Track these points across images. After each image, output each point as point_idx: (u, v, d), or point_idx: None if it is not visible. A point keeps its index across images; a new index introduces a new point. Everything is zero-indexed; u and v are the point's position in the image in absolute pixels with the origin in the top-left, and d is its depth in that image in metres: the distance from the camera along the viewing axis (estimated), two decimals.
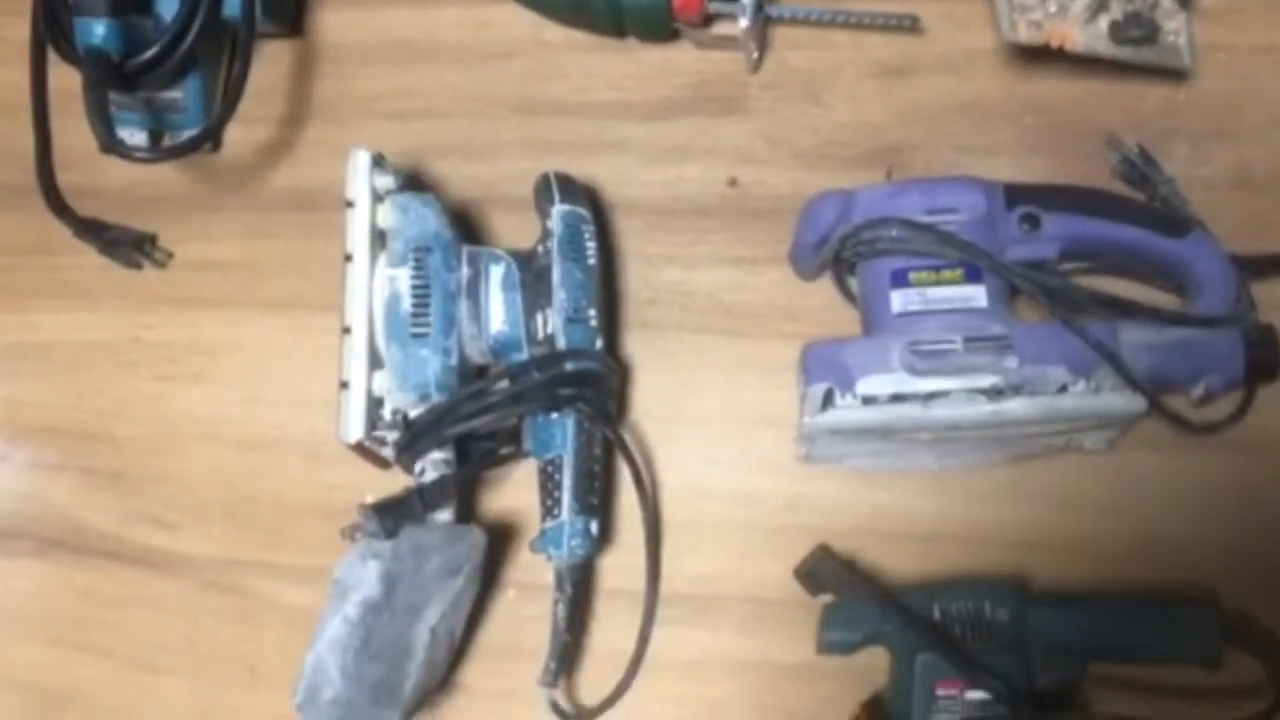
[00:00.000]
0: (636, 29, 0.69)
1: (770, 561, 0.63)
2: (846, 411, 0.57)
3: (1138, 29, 0.59)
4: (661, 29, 0.68)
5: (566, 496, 0.60)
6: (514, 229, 0.68)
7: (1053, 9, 0.60)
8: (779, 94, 0.70)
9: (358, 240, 0.60)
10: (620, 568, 0.65)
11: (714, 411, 0.66)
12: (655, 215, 0.69)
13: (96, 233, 0.70)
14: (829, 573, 0.60)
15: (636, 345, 0.68)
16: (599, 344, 0.62)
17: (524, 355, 0.62)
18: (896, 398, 0.57)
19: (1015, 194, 0.62)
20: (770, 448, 0.64)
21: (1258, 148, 0.66)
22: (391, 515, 0.58)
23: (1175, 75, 0.66)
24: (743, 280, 0.68)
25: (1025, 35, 0.61)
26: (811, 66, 0.70)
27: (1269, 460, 0.62)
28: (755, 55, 0.69)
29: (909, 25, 0.67)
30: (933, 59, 0.69)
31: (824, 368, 0.59)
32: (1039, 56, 0.65)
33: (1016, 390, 0.57)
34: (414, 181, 0.67)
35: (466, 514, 0.65)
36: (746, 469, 0.65)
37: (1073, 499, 0.63)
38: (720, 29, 0.69)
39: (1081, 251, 0.62)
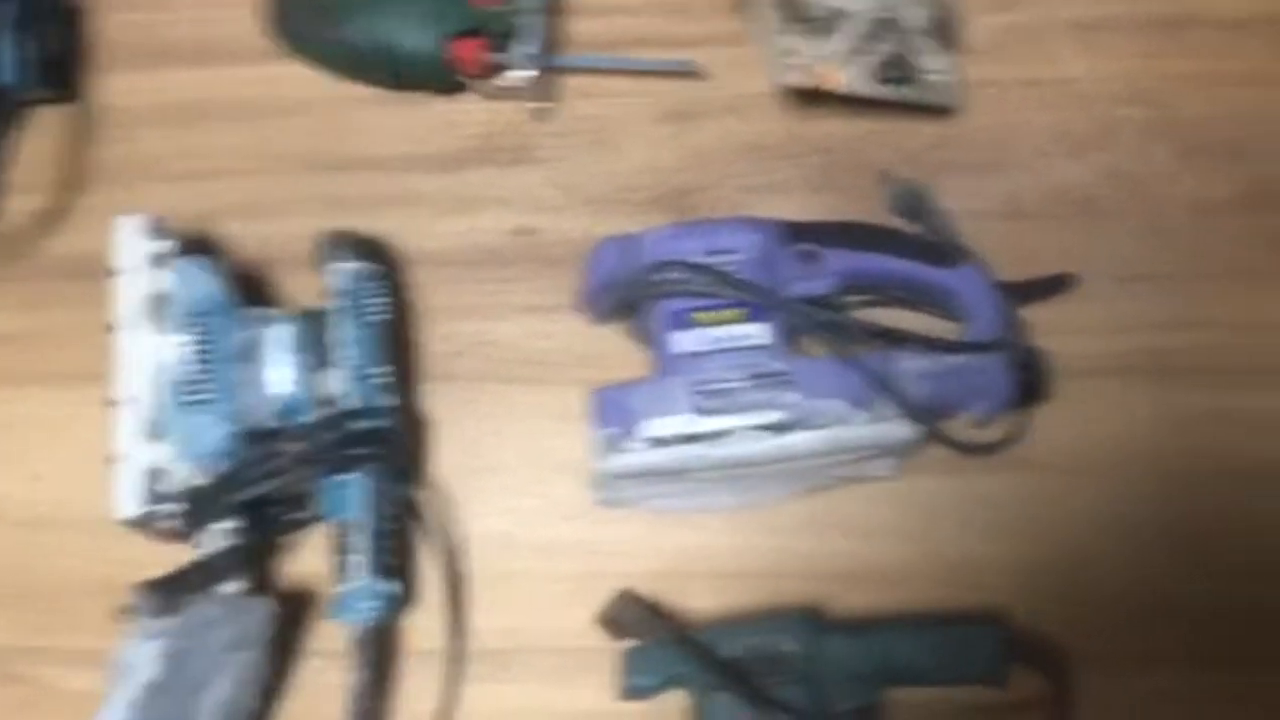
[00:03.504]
0: (417, 82, 0.69)
1: (575, 610, 0.62)
2: (633, 455, 0.58)
3: (898, 70, 0.62)
4: (441, 82, 0.68)
5: (360, 559, 0.59)
6: (309, 288, 0.66)
7: (817, 52, 0.61)
8: (569, 142, 0.71)
9: (124, 309, 0.59)
10: (425, 627, 0.63)
11: (517, 461, 0.66)
12: (453, 267, 0.69)
13: None
14: (630, 617, 0.59)
15: (440, 398, 0.67)
16: (389, 401, 0.62)
17: (311, 417, 0.61)
18: (683, 438, 0.58)
19: (794, 231, 0.63)
20: (571, 494, 0.64)
21: (1026, 178, 0.68)
22: (168, 592, 0.56)
23: (944, 112, 0.68)
24: (542, 328, 0.68)
25: (794, 79, 0.62)
26: (600, 114, 0.71)
27: (1050, 477, 0.64)
28: (542, 105, 0.69)
29: (687, 71, 0.68)
30: (717, 103, 0.71)
31: (610, 412, 0.59)
32: (817, 98, 0.67)
33: (800, 424, 0.58)
34: (200, 244, 0.66)
35: (263, 583, 0.63)
36: (549, 517, 0.65)
37: (866, 527, 0.64)
38: (506, 80, 0.70)
39: (860, 284, 0.64)
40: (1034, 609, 0.62)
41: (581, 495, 0.63)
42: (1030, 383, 0.61)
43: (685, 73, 0.69)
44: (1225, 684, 0.61)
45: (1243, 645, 0.61)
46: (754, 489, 0.63)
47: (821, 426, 0.58)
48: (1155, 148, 0.68)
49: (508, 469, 0.66)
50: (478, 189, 0.70)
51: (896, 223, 0.67)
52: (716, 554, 0.64)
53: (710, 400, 0.58)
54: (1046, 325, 0.66)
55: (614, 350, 0.66)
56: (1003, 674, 0.57)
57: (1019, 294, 0.65)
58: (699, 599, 0.63)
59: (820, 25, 0.61)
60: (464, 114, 0.71)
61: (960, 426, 0.63)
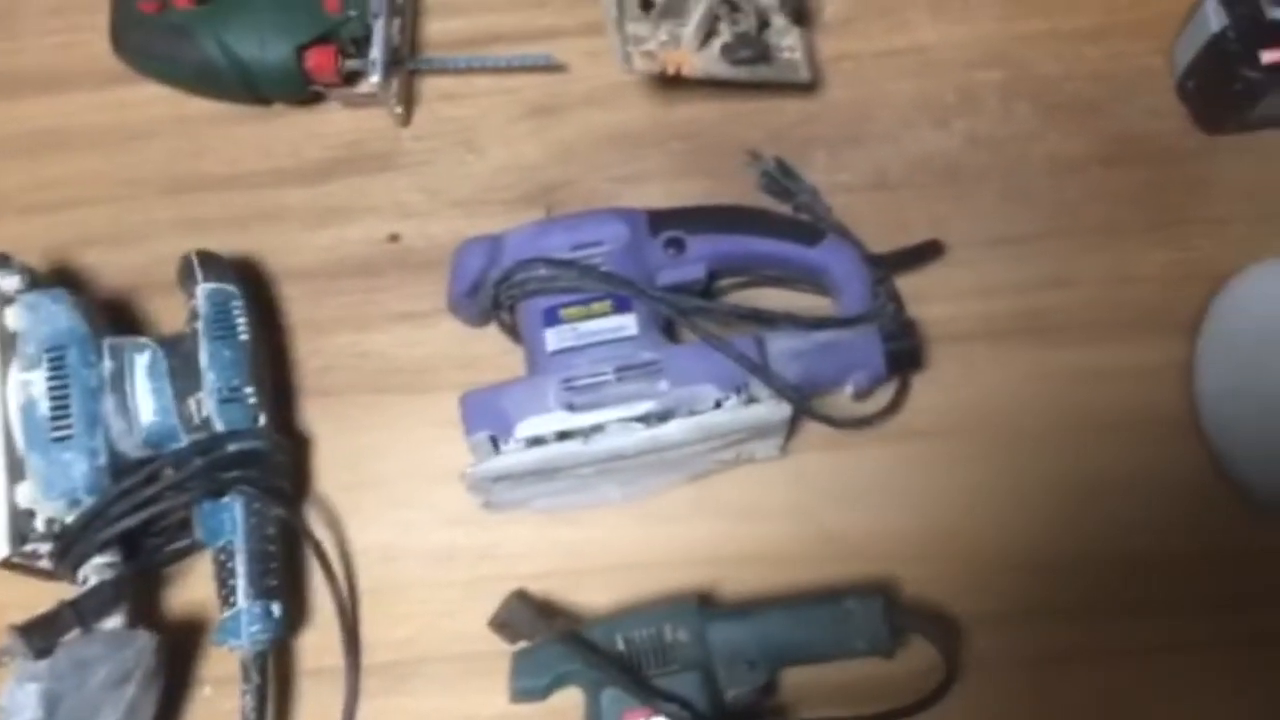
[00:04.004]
0: (274, 94, 0.68)
1: (470, 615, 0.61)
2: (507, 457, 0.57)
3: (747, 49, 0.61)
4: (298, 91, 0.67)
5: (241, 583, 0.58)
6: (175, 314, 0.65)
7: (664, 38, 0.61)
8: (433, 145, 0.70)
9: None
10: (320, 645, 0.63)
11: (399, 471, 0.65)
12: (321, 280, 0.68)
13: None
14: (519, 619, 0.59)
15: (315, 414, 0.66)
16: (261, 421, 0.61)
17: (182, 443, 0.60)
18: (557, 436, 0.58)
19: (659, 220, 0.63)
20: (457, 500, 0.63)
21: (890, 148, 0.69)
22: (41, 633, 0.55)
23: (807, 88, 0.68)
24: (415, 335, 0.67)
25: (640, 66, 0.62)
26: (463, 114, 0.71)
27: (932, 444, 0.64)
28: (401, 109, 0.69)
29: (545, 64, 0.68)
30: (579, 95, 0.70)
31: (482, 415, 0.58)
32: (678, 83, 0.67)
33: (672, 413, 0.58)
34: (57, 276, 0.64)
35: (146, 615, 0.62)
36: (436, 525, 0.64)
37: (755, 508, 0.64)
38: (364, 86, 0.69)
39: (729, 268, 0.64)
40: (923, 575, 0.63)
41: (467, 500, 0.62)
42: (903, 352, 0.61)
43: (545, 67, 0.68)
44: (1112, 634, 0.62)
45: (1126, 595, 0.62)
46: (639, 480, 0.62)
47: (693, 413, 0.58)
48: (1015, 109, 0.69)
49: (390, 480, 0.65)
50: (344, 199, 0.69)
51: (766, 202, 0.67)
52: (608, 548, 0.64)
53: (581, 395, 0.58)
54: (918, 293, 0.66)
55: (492, 352, 0.66)
56: (890, 644, 0.57)
57: (890, 264, 0.65)
58: (594, 594, 0.63)
59: (667, 10, 0.61)
60: (326, 124, 0.70)
61: (838, 401, 0.63)
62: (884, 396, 0.64)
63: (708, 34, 0.62)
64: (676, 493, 0.64)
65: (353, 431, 0.66)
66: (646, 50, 0.62)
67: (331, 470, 0.65)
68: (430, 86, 0.71)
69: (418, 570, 0.64)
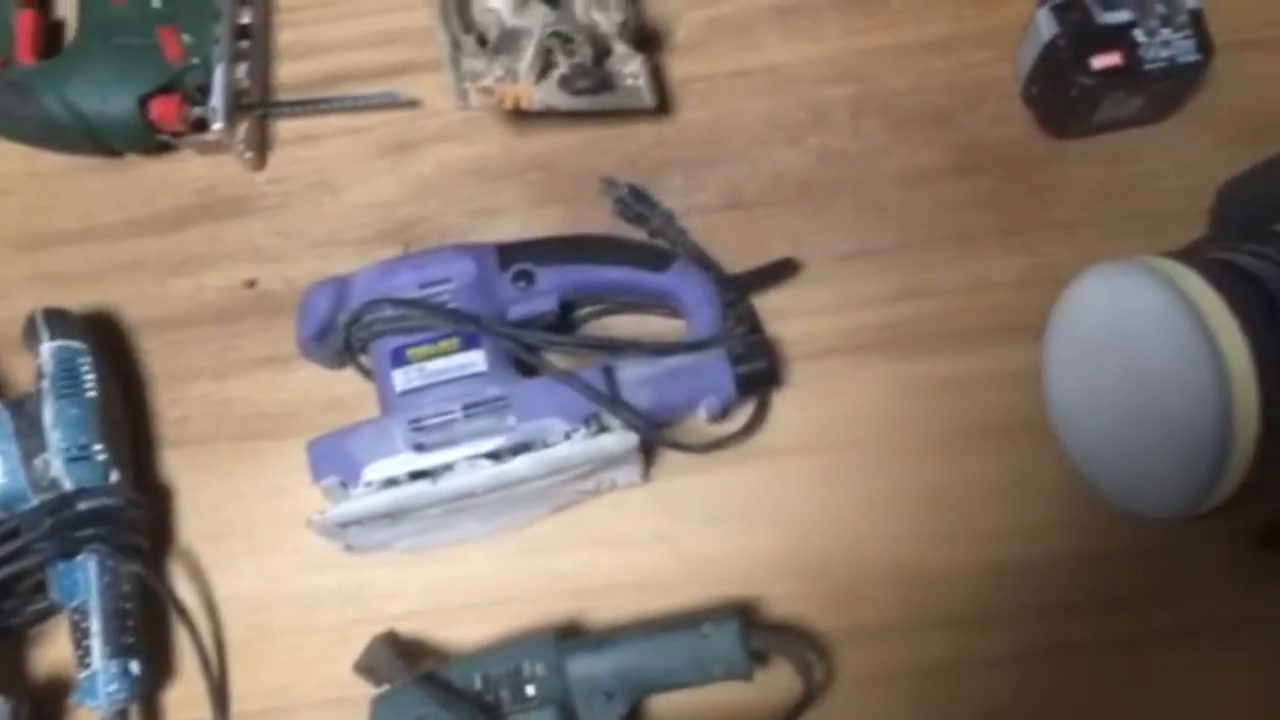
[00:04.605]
0: (121, 146, 0.68)
1: (339, 660, 0.61)
2: (355, 502, 0.57)
3: (585, 80, 0.61)
4: (145, 142, 0.67)
5: (96, 643, 0.58)
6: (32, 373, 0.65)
7: (500, 73, 0.61)
8: (289, 187, 0.70)
9: None
10: (188, 698, 0.62)
11: (263, 518, 0.65)
12: (179, 329, 0.68)
13: None
14: (380, 663, 0.59)
15: (177, 465, 0.66)
16: (112, 478, 0.60)
17: (32, 503, 0.59)
18: (406, 477, 0.57)
19: (508, 254, 0.63)
20: (323, 545, 0.62)
21: (744, 168, 0.69)
22: None
23: (660, 112, 0.68)
24: (276, 380, 0.67)
25: (477, 102, 0.62)
26: (318, 155, 0.70)
27: (796, 461, 0.65)
28: (251, 154, 0.68)
29: (391, 102, 0.68)
30: (433, 130, 0.70)
31: (329, 461, 0.58)
32: (530, 113, 0.67)
33: (521, 448, 0.58)
34: None
35: (10, 677, 0.61)
36: (303, 570, 0.64)
37: (620, 536, 0.64)
38: (210, 134, 0.68)
39: (581, 298, 0.64)
40: (791, 594, 0.63)
41: (333, 544, 0.62)
42: (753, 374, 0.61)
43: (392, 104, 0.68)
44: (985, 642, 0.62)
45: (997, 602, 0.63)
46: (502, 515, 0.62)
47: (541, 448, 0.58)
48: (865, 123, 0.69)
49: (255, 527, 0.65)
50: (201, 246, 0.69)
51: (623, 228, 0.68)
52: (476, 583, 0.64)
53: (429, 435, 0.58)
54: (776, 311, 0.66)
55: (356, 393, 0.65)
56: (747, 667, 0.57)
57: (745, 284, 0.65)
58: (463, 631, 0.63)
59: (501, 45, 0.61)
60: (180, 172, 0.70)
61: (696, 424, 0.63)
62: (743, 417, 0.64)
63: (545, 66, 0.62)
64: (542, 524, 0.64)
65: (216, 480, 0.65)
66: (484, 86, 0.62)
67: (195, 521, 0.65)
68: (285, 128, 0.71)
69: (286, 617, 0.64)
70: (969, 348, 0.66)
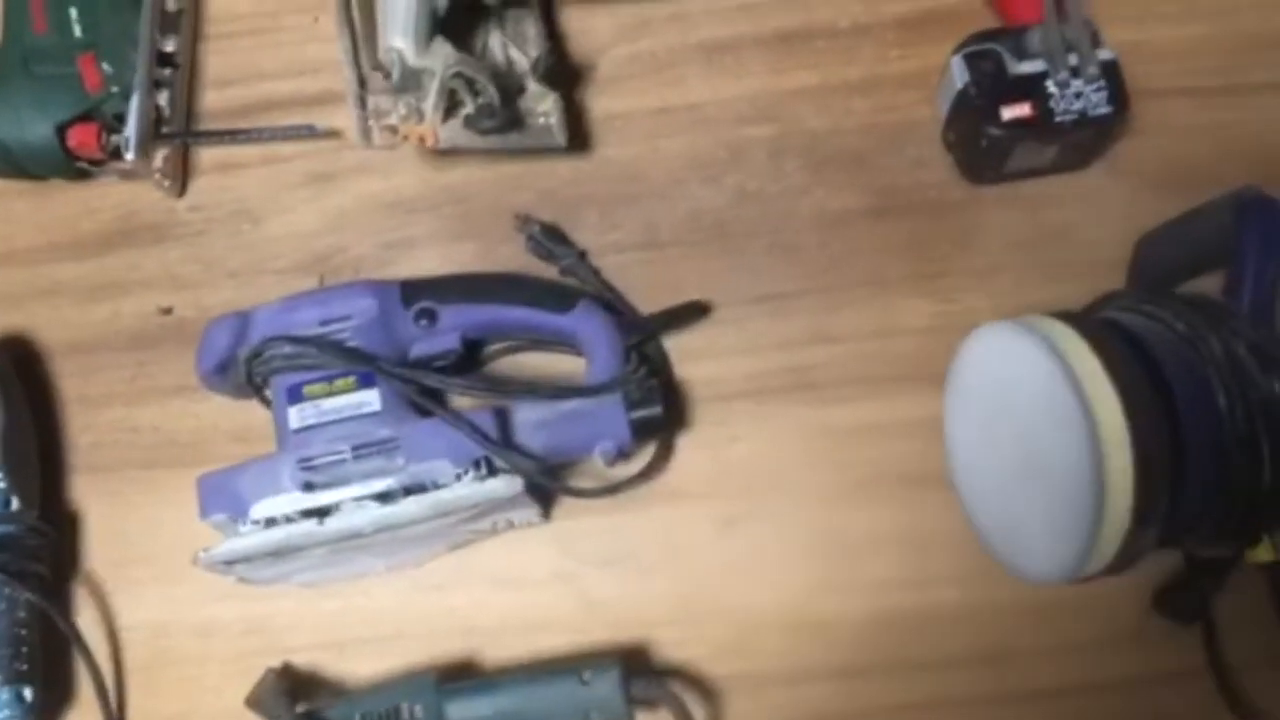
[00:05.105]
0: (40, 172, 0.68)
1: (236, 691, 0.61)
2: (240, 540, 0.57)
3: (490, 120, 0.61)
4: (64, 169, 0.67)
5: None
6: None
7: (404, 111, 0.61)
8: (209, 215, 0.70)
9: None
10: None
11: (169, 546, 0.65)
12: (96, 354, 0.68)
13: None
14: (267, 698, 0.59)
15: (86, 491, 0.66)
16: (13, 505, 0.61)
17: None
18: (293, 516, 0.58)
19: (411, 291, 0.63)
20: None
21: (661, 207, 0.69)
22: None
23: (581, 149, 0.68)
24: (187, 409, 0.67)
25: (380, 141, 0.62)
26: (239, 184, 0.71)
27: (694, 505, 0.65)
28: (169, 182, 0.69)
29: (309, 134, 0.68)
30: (353, 162, 0.70)
31: (217, 497, 0.59)
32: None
33: (409, 490, 0.58)
34: None
35: None
36: (205, 600, 0.64)
37: (519, 575, 0.64)
38: (128, 162, 0.68)
39: (484, 337, 0.64)
40: (685, 639, 0.63)
41: (226, 578, 0.63)
42: (648, 420, 0.61)
43: (310, 135, 0.68)
44: (875, 692, 0.62)
45: (890, 653, 0.62)
46: (401, 552, 0.63)
47: (431, 489, 0.58)
48: (784, 164, 0.69)
49: (160, 555, 0.65)
50: (119, 273, 0.69)
51: (537, 265, 0.68)
52: (375, 618, 0.64)
53: (316, 474, 0.58)
54: (685, 353, 0.66)
55: (264, 423, 0.65)
56: (626, 715, 0.57)
57: (654, 326, 0.65)
58: (362, 665, 0.64)
59: (404, 84, 0.61)
60: (102, 197, 0.70)
61: (596, 465, 0.63)
62: (642, 460, 0.64)
63: (451, 105, 0.62)
64: (443, 561, 0.65)
65: (124, 508, 0.66)
66: (388, 124, 0.62)
67: (102, 547, 0.66)
68: (207, 156, 0.71)
69: (186, 646, 0.64)
70: (875, 394, 0.65)
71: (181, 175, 0.70)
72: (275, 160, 0.71)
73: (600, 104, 0.70)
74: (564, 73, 0.69)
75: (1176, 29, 0.69)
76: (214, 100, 0.72)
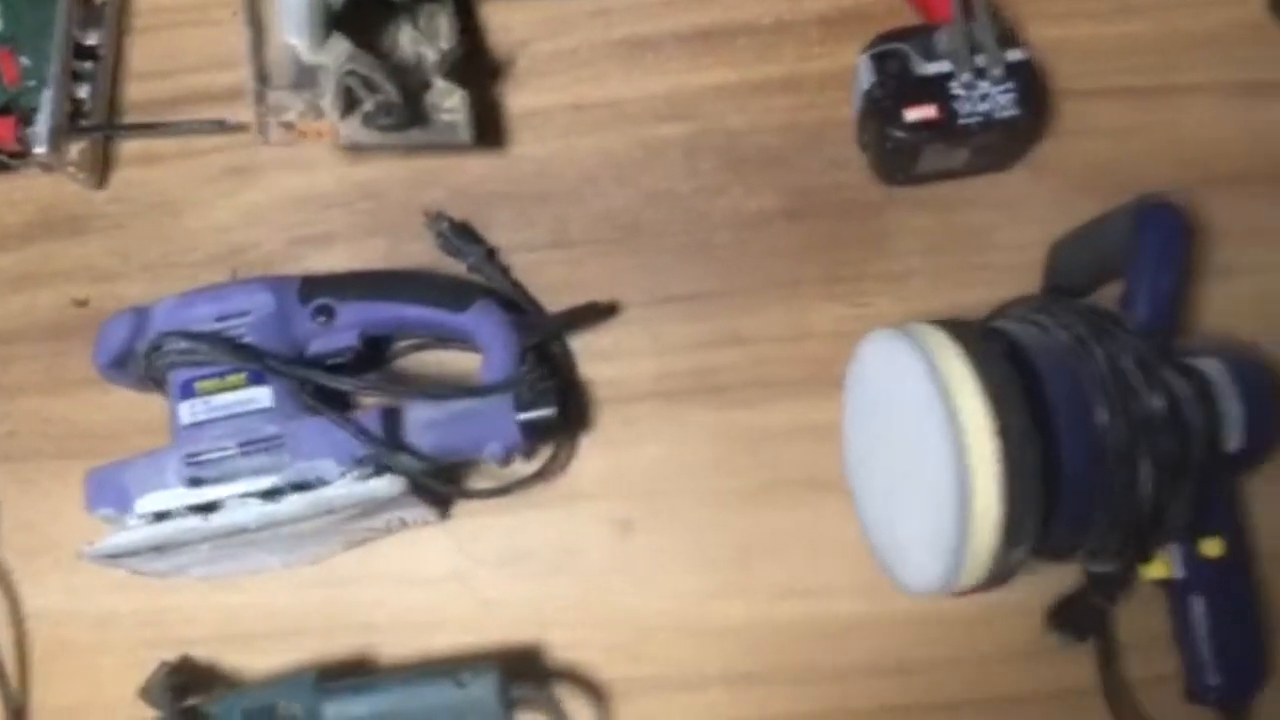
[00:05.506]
0: None
1: (132, 682, 0.62)
2: (124, 534, 0.58)
3: (388, 117, 0.61)
4: None
5: None
6: None
7: (302, 108, 0.61)
8: (128, 208, 0.70)
9: None
10: None
11: (76, 537, 0.64)
12: (11, 344, 0.69)
13: None
14: (155, 691, 0.60)
15: (1, 479, 0.67)
16: None
17: None
18: (177, 512, 0.58)
19: (309, 287, 0.63)
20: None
21: (574, 205, 0.68)
22: None
23: (481, 147, 0.68)
24: (99, 400, 0.67)
25: (277, 138, 0.62)
26: (158, 177, 0.71)
27: (595, 506, 0.64)
28: (83, 174, 0.69)
29: (220, 129, 0.68)
30: (270, 157, 0.70)
31: (103, 491, 0.59)
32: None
33: (294, 488, 0.58)
34: None
35: None
36: (108, 590, 0.65)
37: (417, 573, 0.64)
38: (42, 155, 0.68)
39: (386, 334, 0.64)
40: (578, 641, 0.63)
41: (118, 571, 0.63)
42: (538, 422, 0.60)
43: (221, 129, 0.68)
44: (763, 704, 0.61)
45: (780, 663, 0.62)
46: (296, 549, 0.63)
47: (317, 487, 0.58)
48: (699, 163, 0.68)
49: (68, 545, 0.65)
50: (37, 264, 0.70)
51: (447, 262, 0.67)
52: (273, 613, 0.65)
53: (202, 470, 0.58)
54: (593, 353, 0.66)
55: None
56: (503, 718, 0.57)
57: (556, 325, 0.65)
58: (258, 659, 0.64)
59: (301, 80, 0.61)
60: (24, 189, 0.71)
61: (485, 468, 0.63)
62: (535, 461, 0.64)
63: (351, 102, 0.61)
64: (342, 557, 0.65)
65: (36, 497, 0.67)
66: (286, 120, 0.62)
67: (14, 535, 0.67)
68: (128, 149, 0.71)
69: (87, 635, 0.65)
70: (782, 398, 0.64)
71: (101, 168, 0.70)
72: (194, 154, 0.71)
73: (518, 100, 0.70)
74: (481, 68, 0.69)
75: (1106, 27, 0.67)
76: (138, 92, 0.72)
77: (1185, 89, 0.67)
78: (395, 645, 0.63)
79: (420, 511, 0.62)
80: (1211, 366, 0.55)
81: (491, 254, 0.67)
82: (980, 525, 0.49)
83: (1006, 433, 0.49)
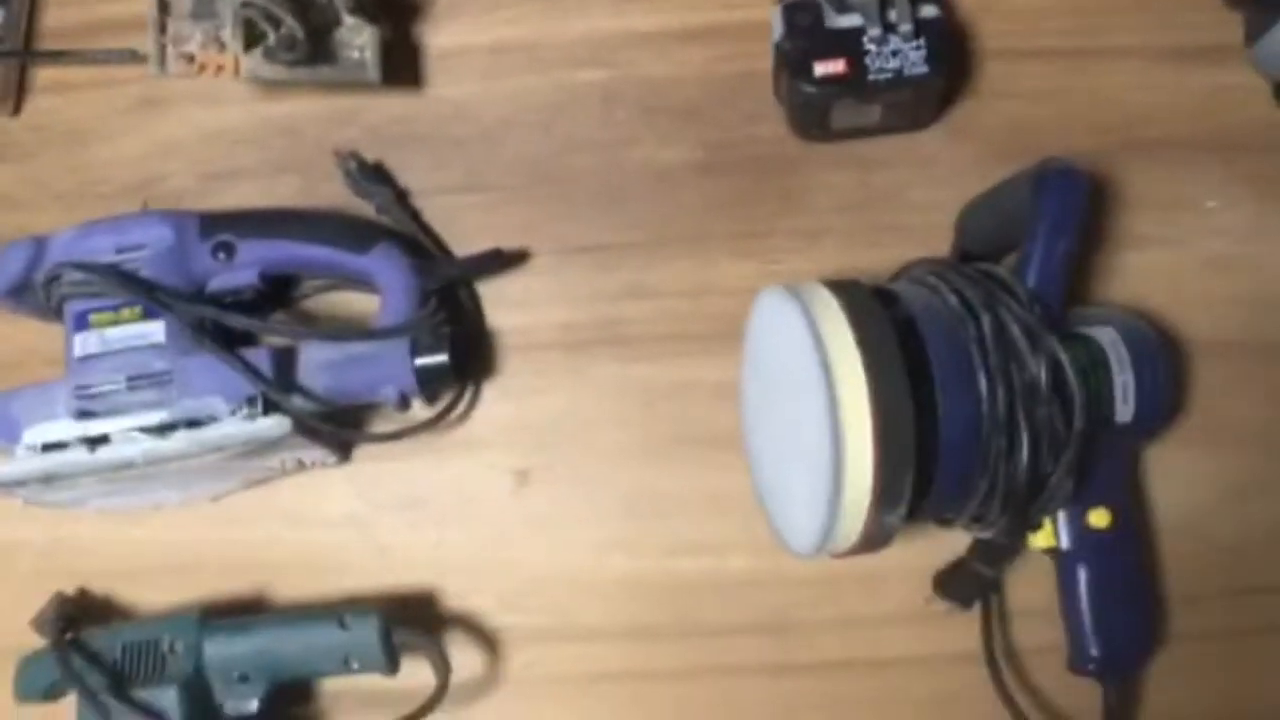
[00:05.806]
0: None
1: (29, 611, 0.62)
2: (8, 464, 0.57)
3: (290, 52, 0.60)
4: None
5: None
6: None
7: (200, 39, 0.60)
8: (41, 137, 0.70)
9: None
10: None
11: None
12: None
13: None
14: (44, 621, 0.60)
15: None
16: None
17: None
18: (64, 444, 0.58)
19: (210, 224, 0.62)
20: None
21: (489, 149, 0.67)
22: None
23: (399, 86, 0.67)
24: (4, 330, 0.67)
25: (176, 69, 0.61)
26: (72, 106, 0.70)
27: (494, 454, 0.64)
28: (7, 101, 0.68)
29: (130, 59, 0.67)
30: (184, 90, 0.69)
31: None
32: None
33: (182, 424, 0.58)
34: None
35: None
36: (7, 519, 0.65)
37: (314, 514, 0.64)
38: None
39: (287, 273, 0.63)
40: (470, 588, 0.63)
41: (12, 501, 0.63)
42: (434, 368, 0.60)
43: (130, 60, 0.67)
44: (651, 658, 0.61)
45: (670, 618, 0.62)
46: (195, 484, 0.62)
47: (200, 426, 0.58)
48: (616, 112, 0.67)
49: None
50: None
51: (356, 203, 0.66)
52: (172, 548, 0.65)
53: (90, 403, 0.58)
54: (500, 300, 0.65)
55: None
56: (386, 664, 0.57)
57: (460, 271, 0.64)
58: (154, 594, 0.64)
59: (199, 11, 0.60)
60: None
61: (387, 412, 0.63)
62: (436, 406, 0.63)
63: (255, 35, 0.60)
64: (243, 496, 0.65)
65: None
66: (186, 52, 0.61)
67: None
68: (44, 77, 0.70)
69: None
70: (687, 353, 0.64)
71: (16, 95, 0.69)
72: (110, 83, 0.70)
73: (436, 40, 0.68)
74: (398, 7, 0.68)
75: None
76: (54, 19, 0.71)
77: (1113, 52, 0.65)
78: (290, 587, 0.63)
79: (318, 453, 0.62)
80: (1106, 336, 0.55)
81: (402, 196, 0.66)
82: (853, 487, 0.49)
83: (880, 396, 0.48)
